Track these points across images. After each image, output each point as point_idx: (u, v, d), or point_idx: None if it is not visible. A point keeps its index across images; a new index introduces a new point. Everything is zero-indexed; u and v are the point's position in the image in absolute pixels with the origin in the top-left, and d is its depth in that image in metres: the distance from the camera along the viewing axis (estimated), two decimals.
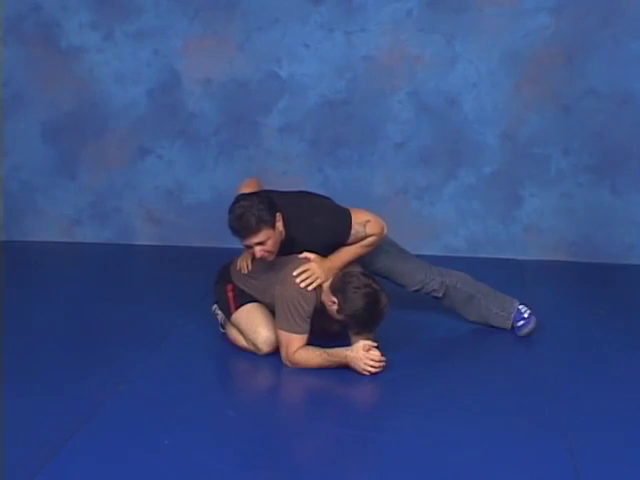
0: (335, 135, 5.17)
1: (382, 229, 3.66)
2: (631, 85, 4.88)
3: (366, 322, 3.41)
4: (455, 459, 2.76)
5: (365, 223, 3.62)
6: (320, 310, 3.50)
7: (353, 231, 3.60)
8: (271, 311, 3.62)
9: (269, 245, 3.48)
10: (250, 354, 3.61)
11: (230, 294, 3.71)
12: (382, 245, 3.77)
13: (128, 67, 5.22)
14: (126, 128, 5.31)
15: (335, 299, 3.43)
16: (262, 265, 3.62)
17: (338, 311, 3.44)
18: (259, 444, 2.84)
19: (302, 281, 3.47)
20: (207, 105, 5.23)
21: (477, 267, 4.94)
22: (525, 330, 3.84)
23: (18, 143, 5.40)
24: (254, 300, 3.67)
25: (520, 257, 5.15)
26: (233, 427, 2.98)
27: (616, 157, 4.98)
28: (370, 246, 3.65)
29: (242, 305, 3.67)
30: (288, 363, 3.48)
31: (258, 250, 3.47)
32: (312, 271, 3.49)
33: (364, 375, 3.37)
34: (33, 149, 5.40)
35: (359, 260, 3.68)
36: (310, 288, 3.47)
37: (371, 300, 3.38)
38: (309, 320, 3.47)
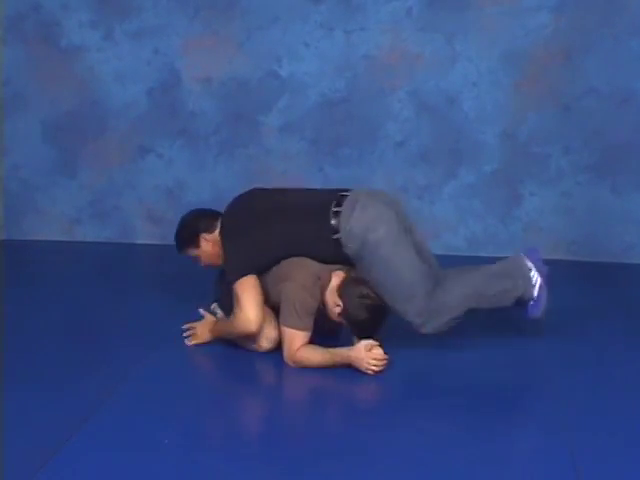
0: (335, 134, 5.17)
1: (242, 325, 3.49)
2: (631, 84, 4.88)
3: (367, 329, 3.43)
4: (455, 459, 2.76)
5: (236, 300, 3.51)
6: (319, 309, 3.51)
7: (235, 280, 3.50)
8: (273, 308, 3.62)
9: (202, 260, 3.78)
10: (250, 353, 3.62)
11: None
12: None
13: (128, 66, 5.22)
14: (126, 127, 5.32)
15: (340, 302, 3.44)
16: None
17: (340, 314, 3.45)
18: (260, 444, 2.84)
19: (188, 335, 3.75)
20: (207, 104, 5.23)
21: None
22: (536, 313, 3.60)
23: (18, 142, 5.40)
24: None
25: None
26: (233, 427, 2.98)
27: (616, 156, 4.99)
28: (235, 333, 3.57)
29: None
30: (290, 361, 3.48)
31: (197, 263, 3.83)
32: (194, 331, 3.74)
33: (367, 374, 3.38)
34: (33, 148, 5.40)
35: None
36: (189, 343, 3.72)
37: (375, 312, 3.41)
38: (313, 317, 3.47)
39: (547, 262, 5.07)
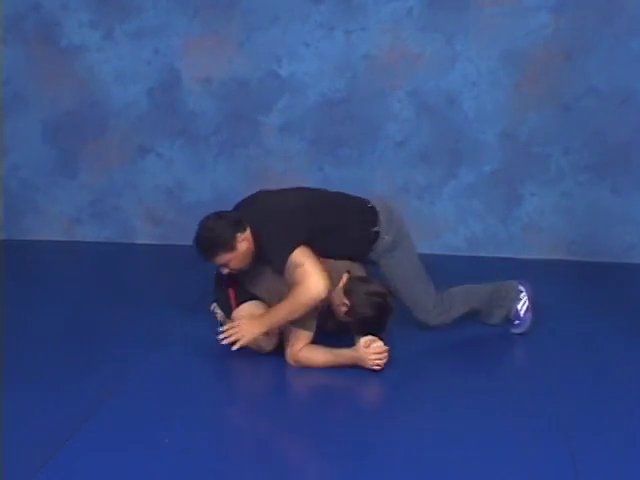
0: (335, 134, 5.17)
1: (312, 289, 3.32)
2: (631, 84, 4.88)
3: (372, 327, 3.43)
4: (455, 458, 2.76)
5: (297, 267, 3.36)
6: (322, 308, 3.51)
7: (287, 266, 3.39)
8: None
9: (232, 264, 3.52)
10: (250, 352, 3.61)
11: (231, 292, 3.71)
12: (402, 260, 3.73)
13: (128, 66, 5.22)
14: (126, 127, 5.32)
15: (346, 301, 3.44)
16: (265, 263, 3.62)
17: (346, 313, 3.45)
18: (260, 444, 2.85)
19: (225, 337, 3.42)
20: (207, 104, 5.23)
21: (477, 266, 4.97)
22: (519, 330, 3.91)
23: (18, 142, 5.40)
24: (255, 298, 3.67)
25: (520, 256, 5.15)
26: (233, 427, 2.98)
27: (616, 156, 4.99)
28: (300, 306, 3.34)
29: (243, 302, 3.66)
30: (291, 360, 3.48)
31: (222, 269, 3.54)
32: (238, 329, 3.41)
33: (374, 370, 3.38)
34: (33, 148, 5.41)
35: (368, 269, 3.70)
36: (234, 347, 3.40)
37: (381, 310, 3.41)
38: (316, 318, 3.47)
39: (547, 262, 5.13)
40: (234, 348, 3.41)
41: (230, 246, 3.47)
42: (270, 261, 3.49)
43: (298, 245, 3.41)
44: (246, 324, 3.42)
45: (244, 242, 3.51)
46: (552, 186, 5.08)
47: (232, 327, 3.43)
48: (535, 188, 5.09)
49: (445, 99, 5.05)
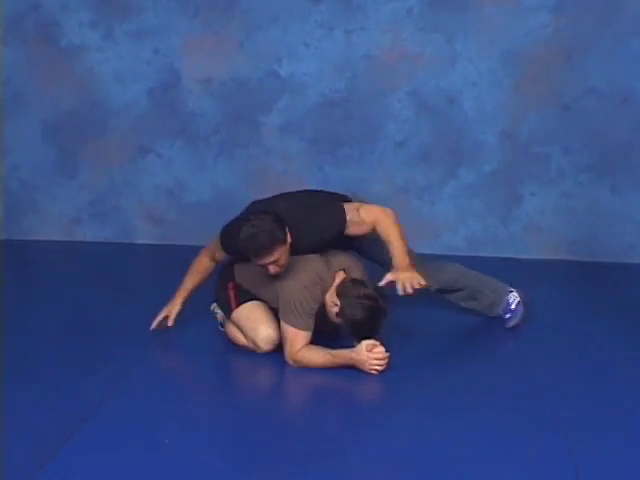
0: (335, 134, 5.17)
1: (385, 212, 3.64)
2: (631, 84, 4.88)
3: (362, 331, 3.41)
4: (455, 458, 2.76)
5: (358, 210, 3.61)
6: (319, 310, 3.51)
7: (349, 218, 3.59)
8: (273, 309, 3.62)
9: (282, 260, 3.46)
10: (250, 353, 3.61)
11: (231, 292, 3.70)
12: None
13: (128, 66, 5.22)
14: (126, 127, 5.32)
15: (338, 302, 3.43)
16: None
17: (337, 314, 3.44)
18: (260, 443, 2.84)
19: (410, 292, 3.50)
20: (207, 104, 5.23)
21: (477, 266, 4.93)
22: (511, 323, 3.92)
23: (18, 142, 5.40)
24: (255, 298, 3.67)
25: (520, 256, 5.15)
26: (233, 427, 2.98)
27: (616, 156, 4.99)
28: (397, 228, 3.60)
29: (243, 303, 3.66)
30: (291, 360, 3.47)
31: (272, 268, 3.45)
32: (409, 278, 3.50)
33: (372, 375, 3.37)
34: (33, 148, 5.40)
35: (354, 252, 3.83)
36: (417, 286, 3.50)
37: (371, 313, 3.39)
38: (313, 317, 3.47)
39: (547, 262, 5.13)
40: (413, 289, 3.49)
41: (284, 240, 3.44)
42: (312, 240, 3.57)
43: (341, 203, 3.63)
44: (406, 272, 3.52)
45: (289, 235, 3.49)
46: (552, 186, 5.07)
47: (400, 282, 3.49)
48: (535, 188, 5.09)
49: (445, 99, 5.04)
